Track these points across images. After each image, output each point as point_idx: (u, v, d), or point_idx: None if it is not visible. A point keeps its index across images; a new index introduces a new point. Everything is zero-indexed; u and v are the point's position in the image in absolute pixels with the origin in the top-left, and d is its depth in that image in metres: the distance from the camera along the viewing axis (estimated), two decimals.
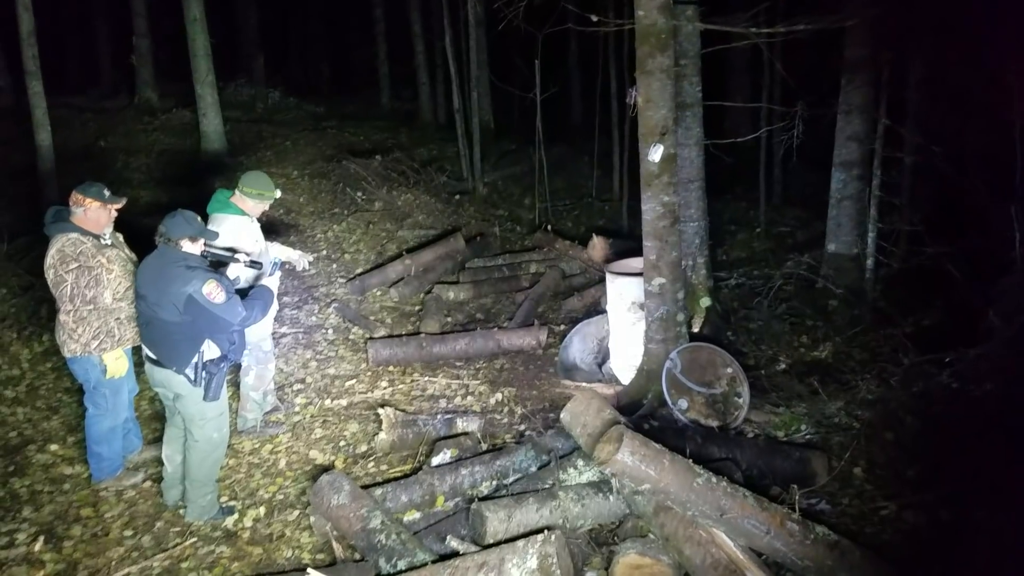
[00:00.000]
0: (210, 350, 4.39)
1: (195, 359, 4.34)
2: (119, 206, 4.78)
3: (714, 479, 3.81)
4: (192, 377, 4.35)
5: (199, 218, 4.48)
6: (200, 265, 4.33)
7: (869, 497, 4.62)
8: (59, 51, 15.44)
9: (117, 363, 4.79)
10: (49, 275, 4.58)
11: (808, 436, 5.29)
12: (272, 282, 4.90)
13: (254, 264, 4.90)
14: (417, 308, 8.37)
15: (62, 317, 4.64)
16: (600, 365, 6.74)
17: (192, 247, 4.39)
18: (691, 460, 3.92)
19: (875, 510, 4.50)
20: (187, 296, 4.17)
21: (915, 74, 7.45)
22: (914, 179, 7.88)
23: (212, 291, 4.19)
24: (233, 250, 4.93)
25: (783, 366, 6.36)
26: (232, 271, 4.87)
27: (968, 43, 6.53)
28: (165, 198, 10.63)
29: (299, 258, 5.80)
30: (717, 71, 11.47)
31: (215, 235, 4.64)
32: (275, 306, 5.50)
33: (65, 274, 4.53)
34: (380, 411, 5.56)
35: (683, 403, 5.44)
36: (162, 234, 4.32)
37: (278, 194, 5.45)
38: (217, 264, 4.68)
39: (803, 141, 7.06)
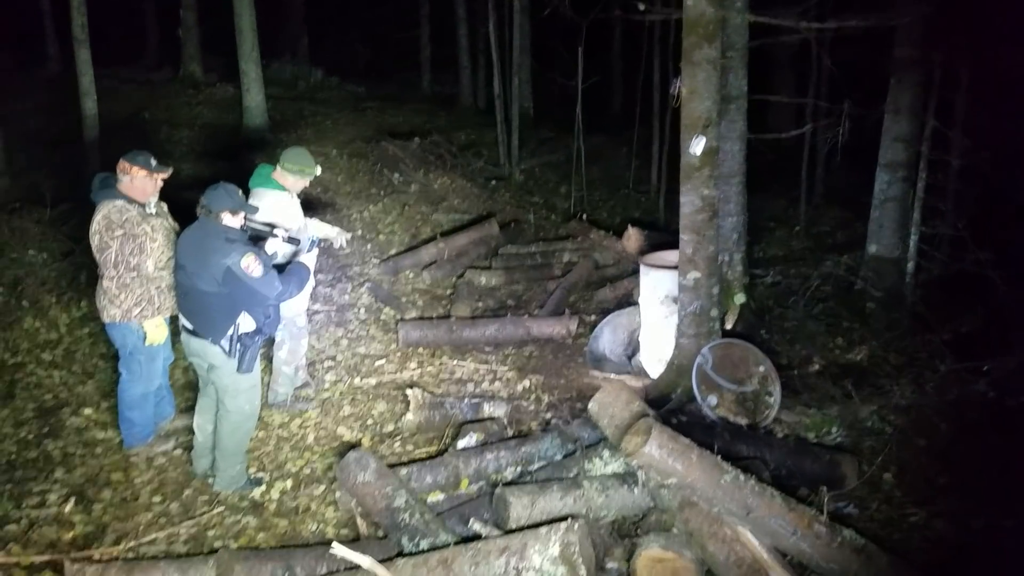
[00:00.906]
0: (246, 323, 4.43)
1: (231, 331, 4.39)
2: (165, 176, 4.83)
3: (742, 477, 3.77)
4: (227, 348, 4.40)
5: (240, 191, 4.52)
6: (240, 238, 4.37)
7: (898, 503, 4.57)
8: (107, 22, 15.64)
9: (157, 331, 4.85)
10: (94, 241, 4.63)
11: (839, 439, 5.23)
12: (309, 259, 4.94)
13: (292, 240, 4.93)
14: (449, 292, 8.39)
15: (105, 283, 4.70)
16: (630, 357, 6.70)
17: (232, 220, 4.43)
18: (719, 457, 3.89)
19: (904, 516, 4.44)
20: (225, 268, 4.21)
21: (966, 75, 7.28)
22: (960, 183, 7.72)
23: (250, 264, 4.23)
24: (272, 225, 4.97)
25: (817, 367, 6.27)
26: (270, 246, 4.91)
27: (1022, 45, 6.37)
28: (206, 171, 10.73)
29: (337, 235, 5.81)
30: (763, 65, 11.29)
31: (255, 209, 4.68)
32: (311, 282, 5.53)
33: (110, 240, 4.59)
34: (408, 392, 5.59)
35: (712, 399, 5.39)
36: (203, 206, 4.36)
37: (319, 170, 5.47)
38: (256, 238, 4.72)
39: (848, 140, 6.94)
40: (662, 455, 3.77)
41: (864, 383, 5.92)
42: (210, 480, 4.77)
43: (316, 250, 5.18)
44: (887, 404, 5.59)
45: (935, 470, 4.84)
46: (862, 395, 5.65)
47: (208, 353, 4.46)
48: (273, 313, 4.57)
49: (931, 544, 4.18)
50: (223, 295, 4.28)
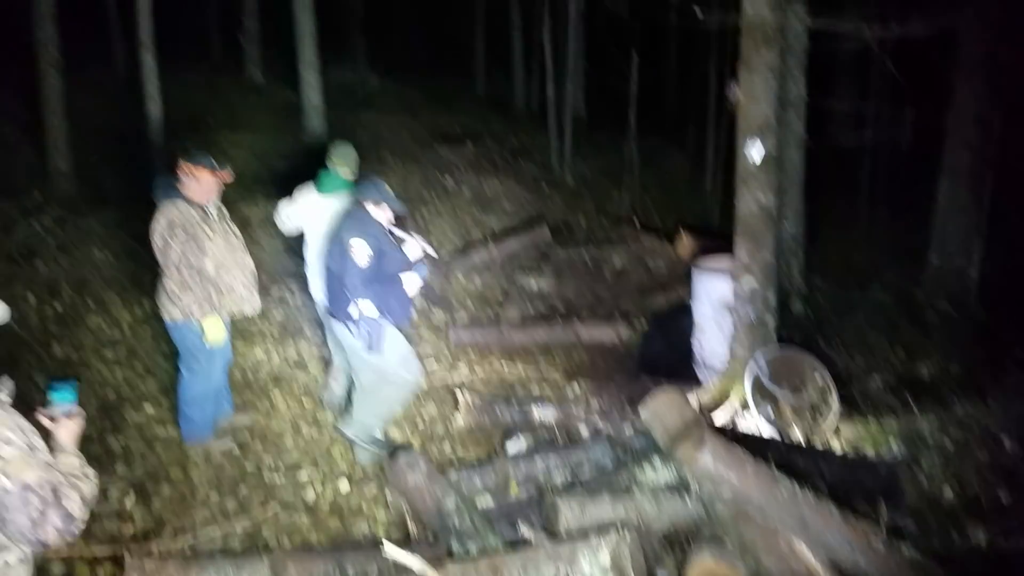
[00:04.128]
0: (367, 307, 4.61)
1: (354, 312, 4.61)
2: (226, 176, 4.93)
3: (798, 489, 3.70)
4: (352, 330, 4.64)
5: (387, 186, 4.82)
6: (375, 231, 4.62)
7: (959, 520, 4.43)
8: (172, 24, 16.04)
9: (216, 329, 4.94)
10: (156, 240, 4.73)
11: (898, 453, 5.09)
12: (412, 281, 4.97)
13: (424, 259, 5.07)
14: (499, 295, 8.40)
15: (166, 282, 4.79)
16: (682, 364, 6.63)
17: (376, 211, 4.73)
18: (774, 468, 3.82)
19: (964, 534, 4.31)
20: (341, 240, 4.51)
21: None
22: None
23: (359, 249, 4.48)
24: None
25: (876, 379, 6.12)
26: (409, 249, 5.02)
27: None
28: (265, 174, 10.94)
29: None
30: (824, 69, 11.06)
31: (400, 205, 4.91)
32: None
33: (172, 240, 4.69)
34: (458, 394, 5.61)
35: (768, 409, 5.30)
36: (354, 194, 4.80)
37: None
38: (399, 241, 4.97)
39: (911, 146, 6.77)
40: (716, 465, 3.72)
41: (925, 396, 5.77)
42: (338, 425, 5.07)
43: (419, 279, 5.13)
44: (949, 418, 5.43)
45: (998, 487, 4.69)
46: (923, 408, 5.50)
47: (341, 332, 4.76)
48: (396, 305, 4.73)
49: (992, 564, 4.05)
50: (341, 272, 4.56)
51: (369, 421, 4.97)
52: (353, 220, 4.66)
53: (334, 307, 4.78)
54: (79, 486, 2.31)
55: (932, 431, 5.27)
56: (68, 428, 2.46)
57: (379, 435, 5.09)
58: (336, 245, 4.60)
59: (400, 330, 4.96)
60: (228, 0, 17.49)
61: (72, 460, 2.40)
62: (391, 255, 4.71)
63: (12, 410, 2.26)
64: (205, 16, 18.90)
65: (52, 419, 2.44)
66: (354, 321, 4.63)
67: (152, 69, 9.44)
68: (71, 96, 9.69)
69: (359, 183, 4.79)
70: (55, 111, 9.17)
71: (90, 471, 2.43)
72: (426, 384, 6.25)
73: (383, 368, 4.80)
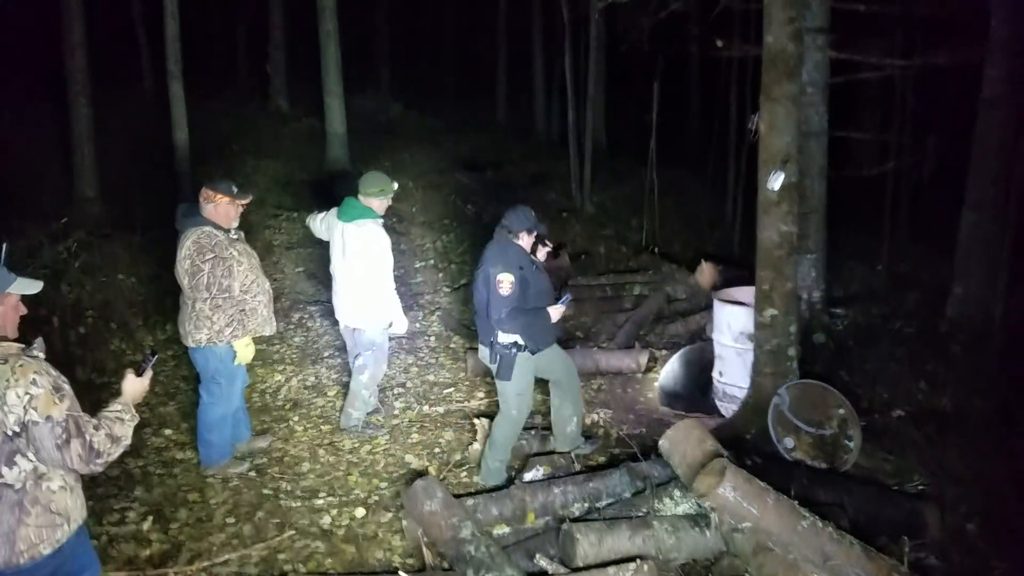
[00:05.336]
0: (504, 334, 4.72)
1: (491, 337, 4.74)
2: (246, 202, 5.04)
3: (819, 523, 3.65)
4: (488, 355, 4.77)
5: (533, 213, 4.92)
6: (521, 261, 4.73)
7: (982, 555, 4.35)
8: (200, 54, 16.32)
9: (247, 350, 5.01)
10: (185, 265, 4.78)
11: (921, 486, 5.02)
12: (556, 311, 5.05)
13: (566, 289, 5.11)
14: None
15: (198, 305, 4.82)
16: (702, 394, 6.58)
17: (527, 240, 4.85)
18: (796, 501, 3.77)
19: (988, 569, 4.23)
20: (487, 273, 4.64)
21: None
22: None
23: (503, 280, 4.60)
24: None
25: (899, 411, 6.04)
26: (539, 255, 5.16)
27: None
28: (289, 202, 11.06)
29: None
30: (847, 98, 11.04)
31: (546, 229, 5.05)
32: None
33: (202, 263, 4.75)
34: (476, 421, 5.59)
35: (789, 441, 5.23)
36: (504, 226, 4.86)
37: (395, 185, 5.64)
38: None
39: (934, 174, 6.73)
40: (736, 497, 3.67)
41: (948, 429, 5.68)
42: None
43: (563, 308, 5.16)
44: (972, 451, 5.35)
45: (1022, 522, 4.60)
46: (946, 441, 5.41)
47: (484, 357, 4.88)
48: (535, 333, 4.81)
49: None
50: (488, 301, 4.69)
51: (498, 464, 5.07)
52: (499, 252, 4.75)
53: (480, 332, 4.95)
54: (109, 425, 2.78)
55: (956, 465, 5.19)
56: (129, 380, 3.00)
57: (509, 472, 5.19)
58: (483, 275, 4.74)
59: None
60: (255, 30, 17.84)
61: (115, 405, 2.90)
62: (536, 285, 4.83)
63: (43, 360, 2.73)
64: (232, 45, 19.28)
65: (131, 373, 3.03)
66: (490, 344, 4.79)
67: (179, 97, 9.61)
68: (99, 123, 9.87)
69: (508, 213, 4.87)
70: (83, 138, 9.36)
71: (128, 415, 2.90)
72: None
73: (517, 399, 4.91)
